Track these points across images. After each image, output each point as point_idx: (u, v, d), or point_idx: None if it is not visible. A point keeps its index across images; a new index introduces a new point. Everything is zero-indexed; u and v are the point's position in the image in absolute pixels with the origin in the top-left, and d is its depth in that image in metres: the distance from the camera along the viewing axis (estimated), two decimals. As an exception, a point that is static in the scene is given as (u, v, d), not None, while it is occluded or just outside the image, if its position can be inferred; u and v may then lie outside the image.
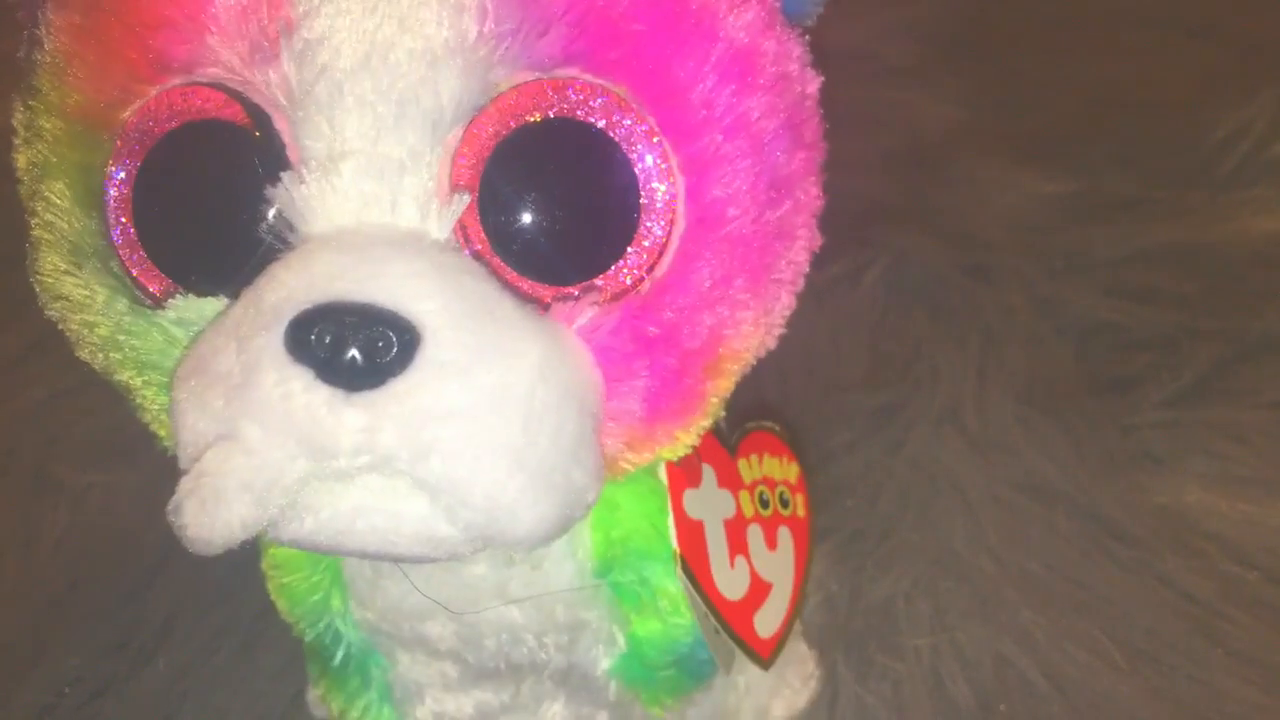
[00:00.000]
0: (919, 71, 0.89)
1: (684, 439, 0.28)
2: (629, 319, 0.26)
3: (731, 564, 0.35)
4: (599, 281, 0.25)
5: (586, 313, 0.25)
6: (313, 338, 0.22)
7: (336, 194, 0.24)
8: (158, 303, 0.26)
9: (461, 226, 0.25)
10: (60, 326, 0.28)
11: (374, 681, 0.37)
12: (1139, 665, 0.48)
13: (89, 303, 0.27)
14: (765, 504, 0.39)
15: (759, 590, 0.36)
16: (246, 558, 0.27)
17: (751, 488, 0.39)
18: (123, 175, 0.26)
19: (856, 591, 0.51)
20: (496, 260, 0.25)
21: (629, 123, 0.25)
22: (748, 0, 0.26)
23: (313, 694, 0.47)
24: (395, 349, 0.22)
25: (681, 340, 0.26)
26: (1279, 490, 0.56)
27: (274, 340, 0.23)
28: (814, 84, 0.28)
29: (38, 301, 0.28)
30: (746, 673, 0.41)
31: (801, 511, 0.41)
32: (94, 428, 0.61)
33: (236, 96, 0.25)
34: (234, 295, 0.25)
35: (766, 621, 0.36)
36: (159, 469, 0.26)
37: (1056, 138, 0.84)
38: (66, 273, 0.27)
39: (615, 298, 0.26)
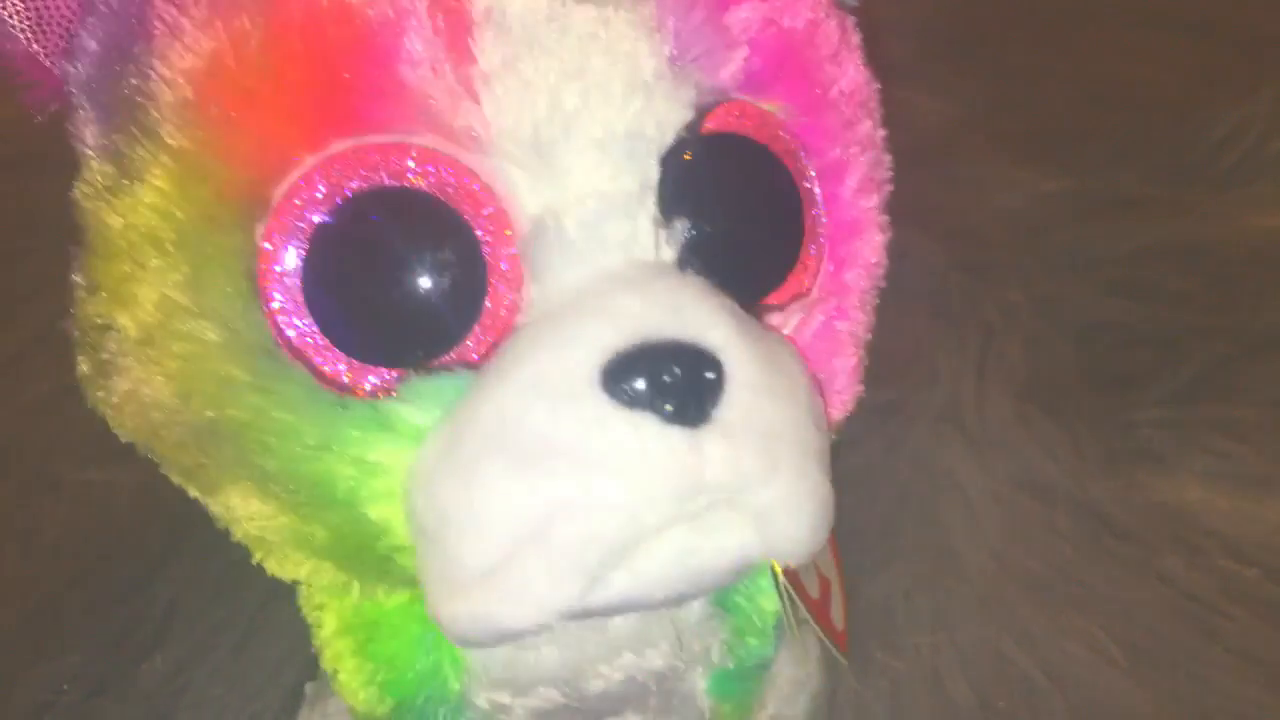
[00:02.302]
0: (918, 69, 0.88)
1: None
2: (829, 320, 0.27)
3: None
4: (781, 289, 0.27)
5: (795, 318, 0.26)
6: (640, 383, 0.21)
7: (584, 236, 0.23)
8: (366, 393, 0.23)
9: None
10: (198, 456, 0.24)
11: None
12: (1138, 662, 0.48)
13: (277, 411, 0.23)
14: None
15: (825, 586, 0.37)
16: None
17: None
18: (295, 259, 0.23)
19: (856, 589, 0.51)
20: (705, 280, 0.24)
21: (788, 137, 0.26)
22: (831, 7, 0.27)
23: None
24: (714, 380, 0.22)
25: (860, 333, 0.28)
26: (1279, 488, 0.56)
27: (602, 392, 0.21)
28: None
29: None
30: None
31: None
32: (94, 426, 0.60)
33: (429, 152, 0.23)
34: (456, 366, 0.23)
35: (837, 615, 0.37)
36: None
37: (1056, 135, 0.84)
38: (250, 385, 0.23)
39: (799, 302, 0.27)
